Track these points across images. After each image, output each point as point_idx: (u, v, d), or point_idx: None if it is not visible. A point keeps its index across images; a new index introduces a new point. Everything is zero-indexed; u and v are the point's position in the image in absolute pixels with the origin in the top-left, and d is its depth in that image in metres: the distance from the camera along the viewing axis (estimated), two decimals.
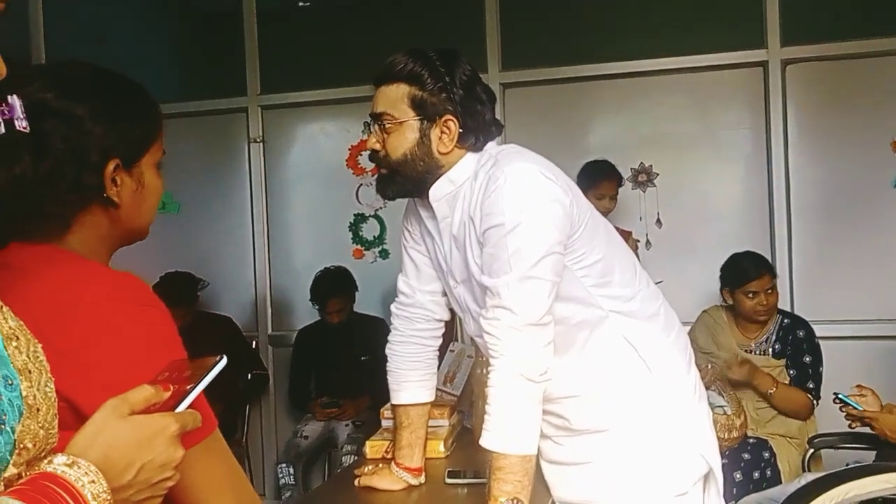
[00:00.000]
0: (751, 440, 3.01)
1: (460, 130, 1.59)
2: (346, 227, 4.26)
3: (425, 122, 1.58)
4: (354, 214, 4.25)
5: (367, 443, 2.09)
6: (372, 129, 1.64)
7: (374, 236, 4.25)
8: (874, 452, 2.66)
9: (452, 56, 1.61)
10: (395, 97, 1.59)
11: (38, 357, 0.79)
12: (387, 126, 1.60)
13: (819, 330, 3.19)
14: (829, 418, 3.00)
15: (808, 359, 3.08)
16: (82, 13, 4.36)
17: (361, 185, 4.23)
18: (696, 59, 3.82)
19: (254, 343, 4.28)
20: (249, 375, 4.07)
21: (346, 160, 4.24)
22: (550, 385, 1.54)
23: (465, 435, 2.21)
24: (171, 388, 0.81)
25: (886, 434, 2.41)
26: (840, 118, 3.74)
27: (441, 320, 1.86)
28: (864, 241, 3.71)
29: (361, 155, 4.21)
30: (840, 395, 2.49)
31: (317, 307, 3.94)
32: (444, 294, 1.82)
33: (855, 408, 2.45)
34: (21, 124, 0.79)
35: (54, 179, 0.97)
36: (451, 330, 2.70)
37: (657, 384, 1.67)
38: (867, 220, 3.71)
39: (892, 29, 3.62)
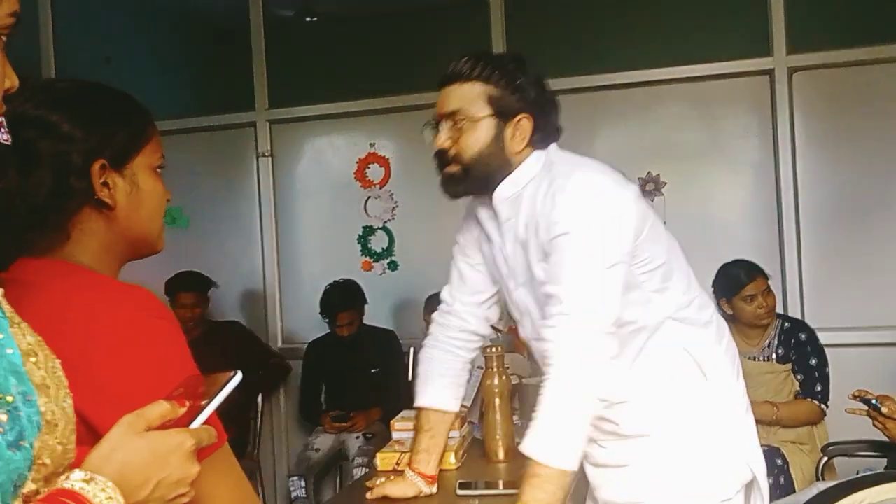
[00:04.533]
0: (763, 448, 2.99)
1: (532, 130, 1.61)
2: (355, 239, 4.27)
3: (500, 120, 1.60)
4: (363, 227, 4.26)
5: (378, 455, 2.09)
6: (441, 128, 1.64)
7: (382, 248, 4.25)
8: (885, 460, 2.64)
9: (521, 58, 1.65)
10: (471, 95, 1.60)
11: (56, 373, 0.79)
12: (461, 124, 1.61)
13: (830, 337, 3.18)
14: (840, 425, 2.98)
15: (813, 361, 3.06)
16: (92, 32, 4.41)
17: (369, 197, 4.24)
18: (702, 68, 3.82)
19: None
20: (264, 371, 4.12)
21: (354, 173, 4.25)
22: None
23: (476, 446, 2.21)
24: (187, 403, 0.81)
25: None
26: (848, 125, 3.73)
27: (476, 333, 1.86)
28: (875, 248, 3.70)
29: (369, 167, 4.23)
30: (873, 403, 2.41)
31: (327, 320, 3.95)
32: (485, 304, 1.83)
33: (877, 408, 2.40)
34: (2, 137, 0.81)
35: (41, 186, 0.98)
36: None
37: (711, 391, 1.66)
38: (877, 228, 3.70)
39: None
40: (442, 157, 1.65)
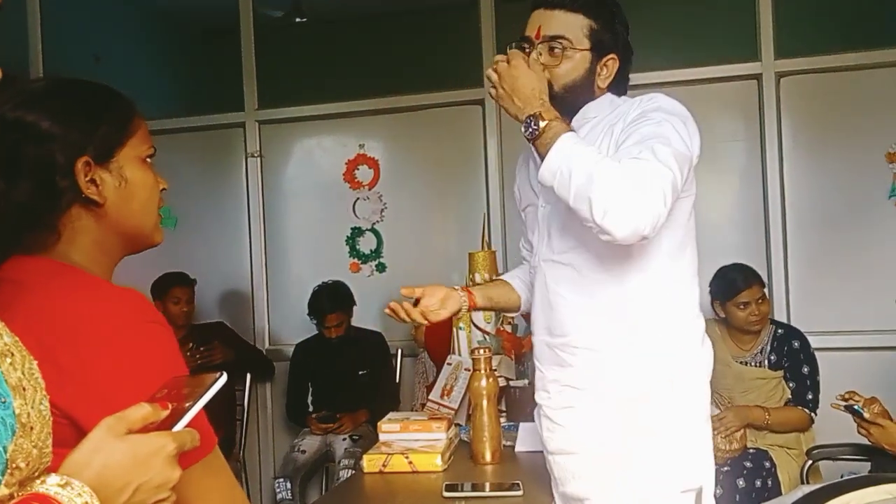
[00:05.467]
0: (751, 450, 3.00)
1: (616, 71, 1.66)
2: (343, 240, 4.26)
3: (595, 55, 1.64)
4: (351, 228, 4.25)
5: (365, 457, 2.09)
6: (535, 50, 1.63)
7: (370, 250, 4.25)
8: (869, 464, 2.65)
9: (617, 2, 1.68)
10: (575, 25, 1.62)
11: (33, 374, 0.78)
12: (560, 51, 1.62)
13: (815, 341, 3.19)
14: (827, 429, 3.00)
15: (806, 369, 3.07)
16: (80, 31, 4.38)
17: (358, 198, 4.24)
18: (690, 73, 3.83)
19: None
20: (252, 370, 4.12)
21: (343, 174, 4.25)
22: (585, 334, 1.58)
23: (463, 448, 2.20)
24: (170, 406, 0.79)
25: (884, 446, 2.40)
26: (834, 130, 3.75)
27: None
28: (860, 251, 3.72)
29: (358, 169, 4.23)
30: (856, 408, 2.44)
31: (314, 322, 3.94)
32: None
33: (860, 413, 2.42)
34: None
35: (27, 187, 0.97)
36: (449, 342, 2.70)
37: (680, 384, 1.64)
38: (863, 231, 3.72)
39: (886, 41, 3.65)
40: None
